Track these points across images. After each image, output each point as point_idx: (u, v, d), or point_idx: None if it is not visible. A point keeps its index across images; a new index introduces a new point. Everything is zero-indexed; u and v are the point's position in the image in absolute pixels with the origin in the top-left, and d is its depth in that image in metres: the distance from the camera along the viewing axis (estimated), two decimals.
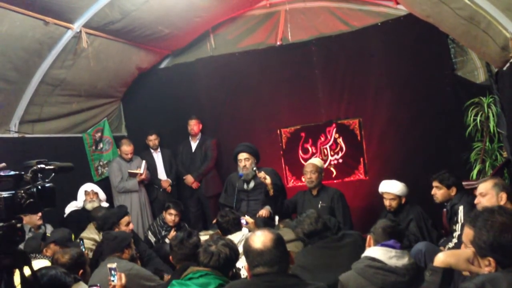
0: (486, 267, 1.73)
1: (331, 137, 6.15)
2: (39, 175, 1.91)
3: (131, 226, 4.43)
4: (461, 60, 5.51)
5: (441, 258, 1.88)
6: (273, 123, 6.36)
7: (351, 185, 6.00)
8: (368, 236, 2.77)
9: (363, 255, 2.25)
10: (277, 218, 4.66)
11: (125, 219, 4.34)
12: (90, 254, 4.45)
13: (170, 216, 5.04)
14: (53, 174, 1.99)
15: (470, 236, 1.79)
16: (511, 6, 3.55)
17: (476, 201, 3.29)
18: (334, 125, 6.12)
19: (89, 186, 5.60)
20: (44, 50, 4.79)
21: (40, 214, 4.43)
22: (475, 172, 5.09)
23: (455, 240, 3.87)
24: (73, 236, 4.24)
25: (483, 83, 5.31)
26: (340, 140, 6.12)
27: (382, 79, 5.81)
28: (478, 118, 5.11)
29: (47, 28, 4.54)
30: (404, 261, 2.14)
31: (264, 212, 4.80)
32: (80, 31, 4.88)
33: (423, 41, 5.51)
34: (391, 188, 4.44)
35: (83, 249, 4.02)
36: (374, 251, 2.18)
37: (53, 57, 4.92)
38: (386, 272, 2.09)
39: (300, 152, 6.28)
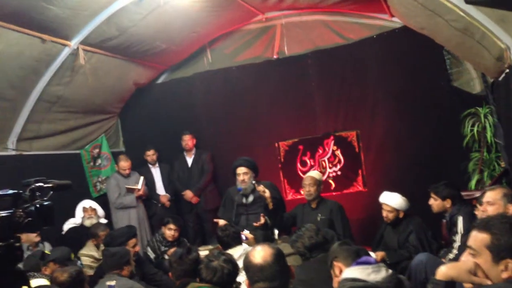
0: (503, 272, 1.71)
1: (329, 149, 6.15)
2: (37, 193, 1.90)
3: (137, 248, 4.34)
4: (457, 71, 5.55)
5: (443, 271, 1.86)
6: (271, 136, 6.36)
7: (350, 197, 5.98)
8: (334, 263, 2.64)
9: (341, 278, 2.20)
10: (276, 232, 4.63)
11: (133, 240, 4.28)
12: (89, 271, 4.41)
13: (170, 231, 5.01)
14: (52, 192, 1.98)
15: (485, 241, 1.76)
16: (505, 17, 3.59)
17: (482, 209, 3.26)
18: (331, 137, 6.13)
19: (87, 203, 5.59)
20: (41, 67, 4.81)
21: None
22: (473, 182, 5.10)
23: (455, 251, 3.86)
24: (72, 255, 4.19)
25: (479, 94, 5.34)
26: (338, 152, 6.12)
27: (379, 91, 5.83)
28: (475, 128, 5.12)
29: (44, 46, 4.57)
30: (382, 274, 2.10)
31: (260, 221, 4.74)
32: (78, 48, 4.91)
33: (418, 52, 5.55)
34: (389, 200, 4.43)
35: (81, 267, 3.98)
36: (352, 272, 2.13)
37: (50, 74, 4.95)
38: None
39: (299, 165, 6.27)
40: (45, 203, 1.90)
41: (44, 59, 4.75)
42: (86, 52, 5.04)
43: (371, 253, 3.97)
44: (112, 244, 4.14)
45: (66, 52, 4.87)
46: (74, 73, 5.16)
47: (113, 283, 3.06)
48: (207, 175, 6.34)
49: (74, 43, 4.84)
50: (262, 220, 4.69)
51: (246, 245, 3.94)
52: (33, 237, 4.51)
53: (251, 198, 4.97)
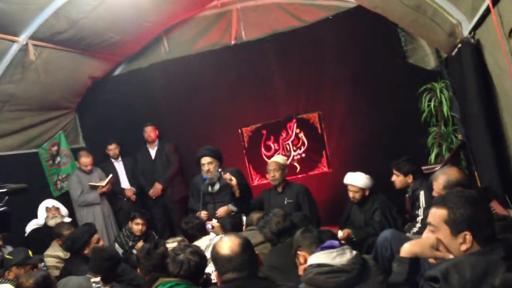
0: (462, 244, 1.77)
1: (292, 132, 6.18)
2: None
3: (101, 242, 4.25)
4: (411, 47, 5.65)
5: (406, 248, 1.91)
6: (234, 122, 6.35)
7: (315, 178, 6.06)
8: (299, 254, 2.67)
9: (307, 264, 2.23)
10: (244, 218, 4.65)
11: (95, 237, 4.18)
12: (55, 272, 4.31)
13: (137, 225, 4.94)
14: (7, 197, 1.91)
15: (443, 216, 1.82)
16: None
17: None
18: (294, 120, 6.16)
19: (49, 202, 5.43)
20: None
21: None
22: (433, 156, 5.24)
23: (418, 225, 3.97)
24: (30, 252, 4.04)
25: (434, 69, 5.48)
26: (301, 135, 6.17)
27: (338, 72, 5.88)
28: (432, 103, 5.26)
29: None
30: (347, 256, 2.14)
31: (222, 212, 4.80)
32: (27, 44, 4.70)
33: (374, 31, 5.63)
34: (354, 180, 4.48)
35: (45, 268, 3.87)
36: (317, 258, 2.17)
37: (0, 73, 4.73)
38: (335, 273, 2.09)
39: (263, 149, 6.29)
40: (1, 209, 1.84)
41: None
42: (36, 47, 4.84)
43: (338, 231, 4.05)
44: (74, 247, 4.04)
45: (15, 48, 4.66)
46: (25, 70, 4.95)
47: (97, 279, 3.00)
48: (173, 165, 6.25)
49: (22, 38, 4.63)
50: (222, 212, 4.74)
51: (214, 234, 3.93)
52: None
53: (217, 187, 4.96)
